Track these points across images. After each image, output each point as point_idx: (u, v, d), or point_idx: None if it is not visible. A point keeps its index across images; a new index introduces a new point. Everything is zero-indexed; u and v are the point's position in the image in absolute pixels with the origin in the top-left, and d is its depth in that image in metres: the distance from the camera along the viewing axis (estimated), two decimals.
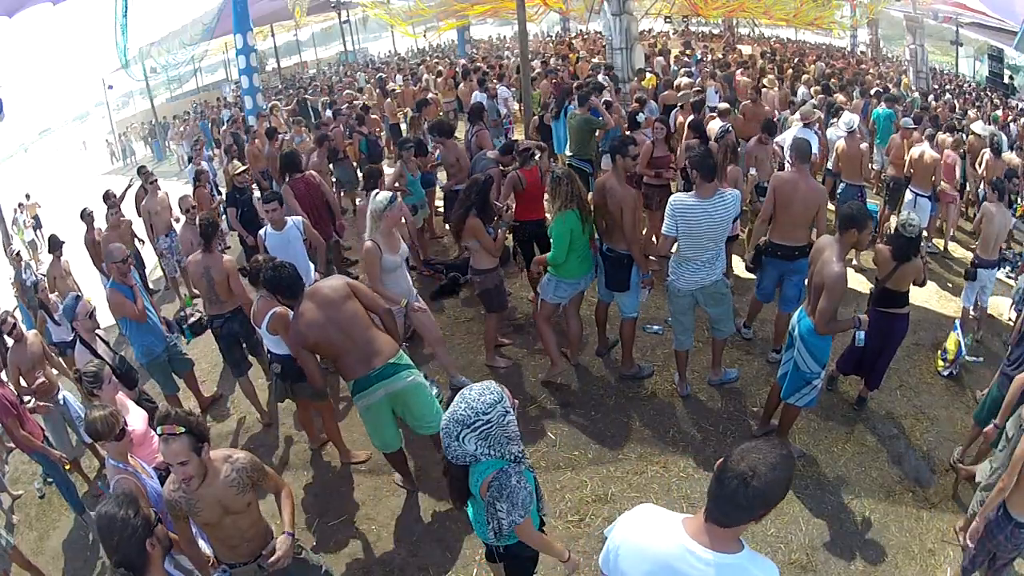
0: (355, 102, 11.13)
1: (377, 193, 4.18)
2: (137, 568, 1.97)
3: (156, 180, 7.21)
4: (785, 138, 6.90)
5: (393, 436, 3.49)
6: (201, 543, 2.75)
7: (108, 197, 6.69)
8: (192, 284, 5.51)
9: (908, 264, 3.88)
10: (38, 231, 13.35)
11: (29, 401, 4.31)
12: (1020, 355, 3.76)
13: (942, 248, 7.21)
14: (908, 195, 6.82)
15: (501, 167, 5.50)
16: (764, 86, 9.86)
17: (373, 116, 10.41)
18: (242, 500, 2.44)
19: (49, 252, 6.61)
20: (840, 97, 9.66)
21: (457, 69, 13.97)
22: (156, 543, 2.04)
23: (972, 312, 5.40)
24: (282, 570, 2.56)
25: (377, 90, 13.58)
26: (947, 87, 17.13)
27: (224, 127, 13.20)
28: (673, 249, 4.01)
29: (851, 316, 3.44)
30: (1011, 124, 11.56)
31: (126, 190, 7.28)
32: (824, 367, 3.50)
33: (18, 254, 6.77)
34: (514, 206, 4.97)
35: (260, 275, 3.78)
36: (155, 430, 2.37)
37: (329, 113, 10.50)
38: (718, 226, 3.80)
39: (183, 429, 2.27)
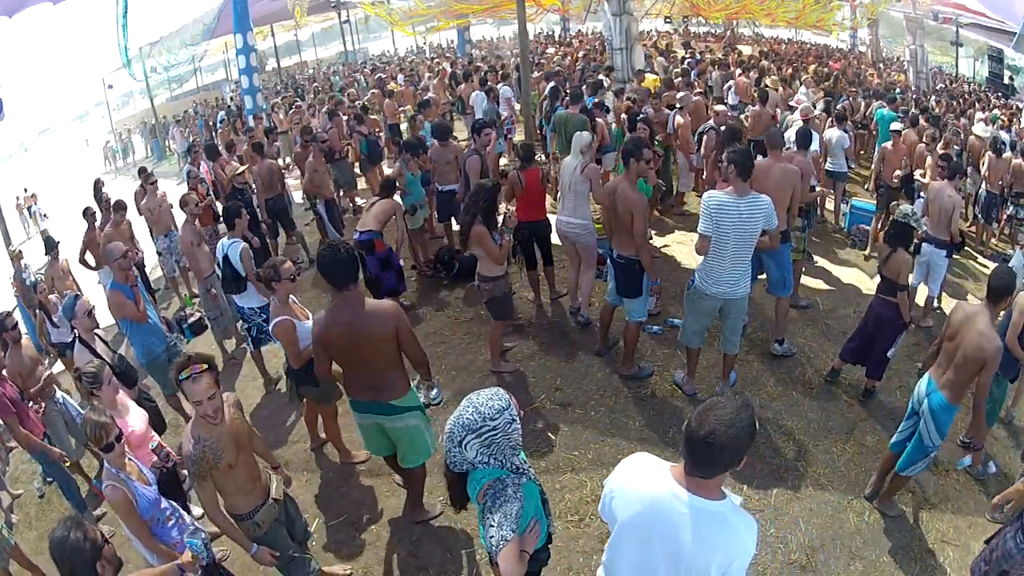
0: (355, 102, 11.14)
1: (583, 134, 4.93)
2: None
3: (155, 180, 7.21)
4: (789, 136, 6.95)
5: (383, 447, 3.46)
6: None
7: (107, 199, 6.69)
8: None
9: (895, 253, 4.07)
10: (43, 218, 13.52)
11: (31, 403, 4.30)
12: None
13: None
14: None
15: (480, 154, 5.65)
16: (767, 86, 9.87)
17: (373, 116, 10.41)
18: (246, 431, 2.72)
19: (46, 253, 6.60)
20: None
21: (457, 70, 13.96)
22: (106, 564, 2.12)
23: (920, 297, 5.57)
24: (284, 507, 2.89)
25: (377, 90, 13.60)
26: (940, 86, 17.16)
27: (220, 129, 13.22)
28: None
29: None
30: (1012, 125, 11.57)
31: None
32: (944, 438, 3.32)
33: (19, 252, 6.75)
34: (514, 208, 4.98)
35: (270, 278, 3.74)
36: (179, 379, 2.44)
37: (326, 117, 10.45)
38: (747, 227, 3.69)
39: (206, 365, 2.45)
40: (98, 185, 7.68)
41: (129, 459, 2.88)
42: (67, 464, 3.99)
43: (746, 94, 10.23)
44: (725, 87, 10.62)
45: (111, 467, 2.76)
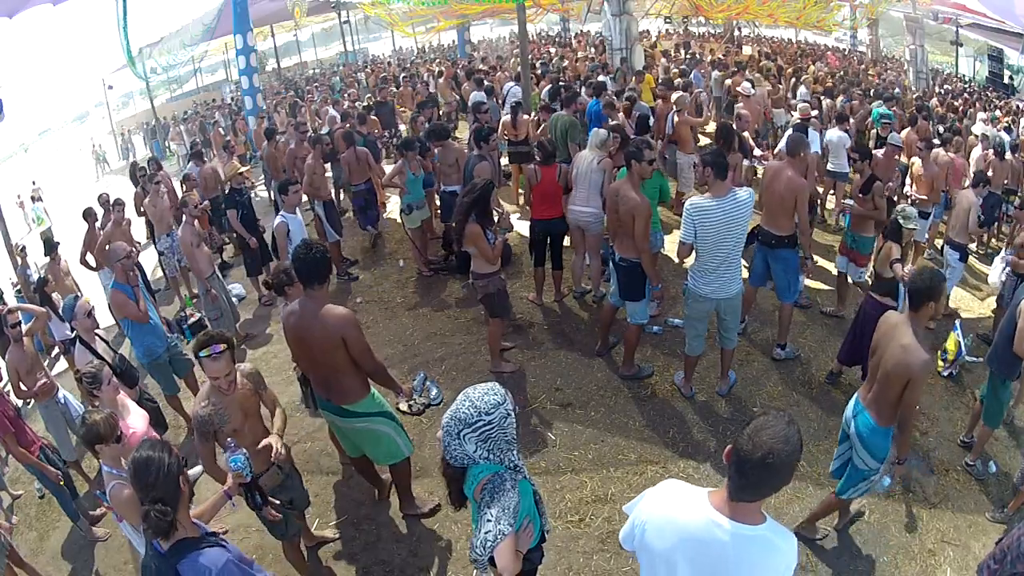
0: (356, 103, 11.15)
1: (599, 130, 5.33)
2: (173, 502, 2.02)
3: (160, 180, 7.22)
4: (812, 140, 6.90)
5: (350, 448, 3.49)
6: None
7: (104, 202, 6.72)
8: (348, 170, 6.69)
9: (886, 244, 4.12)
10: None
11: (29, 403, 4.29)
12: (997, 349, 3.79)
13: (940, 249, 7.22)
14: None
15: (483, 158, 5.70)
16: (752, 82, 9.86)
17: (373, 116, 10.41)
18: (255, 401, 2.88)
19: (46, 254, 6.60)
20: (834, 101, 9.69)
21: (458, 70, 13.98)
22: (185, 483, 2.11)
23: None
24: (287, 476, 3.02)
25: (393, 86, 13.61)
26: (943, 86, 17.15)
27: (212, 130, 13.28)
28: (690, 259, 3.95)
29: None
30: (1012, 126, 11.57)
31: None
32: (883, 461, 3.01)
33: (23, 249, 6.76)
34: (510, 212, 5.06)
35: (283, 283, 3.74)
36: (199, 355, 2.63)
37: (335, 114, 10.43)
38: (734, 225, 3.69)
39: (225, 344, 2.64)
40: (134, 167, 7.74)
41: (124, 462, 2.84)
42: (61, 483, 3.97)
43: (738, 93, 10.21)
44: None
45: (110, 468, 2.75)
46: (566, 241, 5.50)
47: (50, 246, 6.55)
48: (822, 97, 9.82)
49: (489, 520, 1.93)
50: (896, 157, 6.44)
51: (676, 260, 4.26)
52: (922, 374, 2.71)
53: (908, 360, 2.70)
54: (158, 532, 2.01)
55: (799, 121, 7.05)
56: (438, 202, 7.13)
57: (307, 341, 3.00)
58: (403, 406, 3.34)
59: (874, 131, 8.72)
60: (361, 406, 3.15)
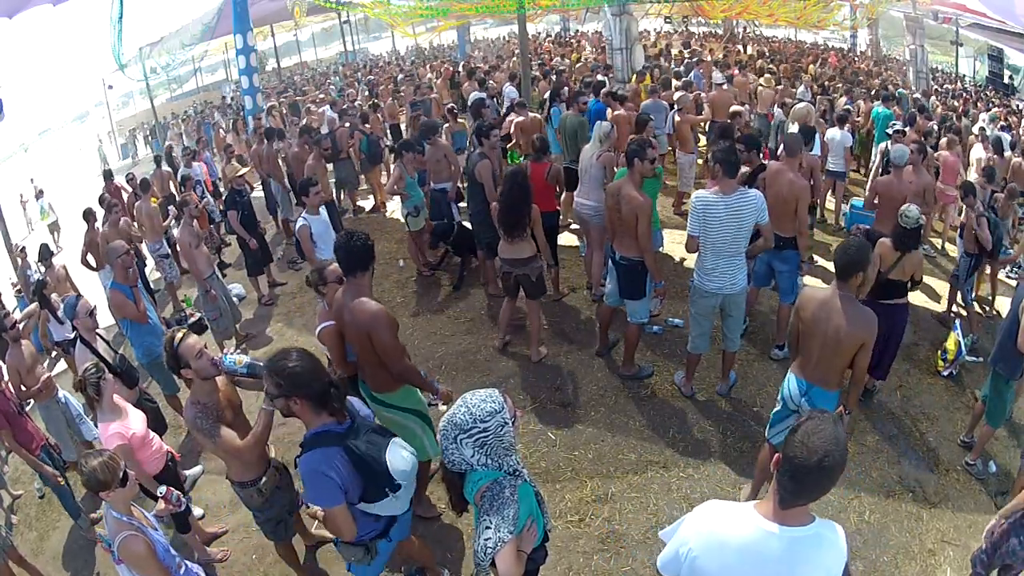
0: (355, 103, 11.16)
1: (603, 123, 5.47)
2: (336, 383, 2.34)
3: (151, 186, 7.22)
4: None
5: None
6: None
7: (104, 201, 6.73)
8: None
9: (908, 255, 4.01)
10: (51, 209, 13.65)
11: (30, 404, 4.29)
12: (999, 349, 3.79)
13: (939, 247, 7.23)
14: None
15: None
16: (761, 85, 9.89)
17: (375, 114, 10.42)
18: (236, 393, 2.98)
19: (39, 261, 6.60)
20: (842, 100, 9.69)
21: (458, 69, 13.98)
22: None
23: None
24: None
25: (367, 91, 13.67)
26: (944, 87, 17.13)
27: (213, 131, 13.31)
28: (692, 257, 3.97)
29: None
30: (1011, 125, 11.56)
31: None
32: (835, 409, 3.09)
33: (22, 250, 6.76)
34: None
35: (316, 283, 3.67)
36: (175, 347, 2.74)
37: (335, 117, 10.42)
38: (736, 224, 3.69)
39: (184, 328, 2.89)
40: (169, 151, 7.75)
41: (133, 504, 2.66)
42: (61, 483, 3.97)
43: (743, 92, 10.23)
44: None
45: (119, 514, 2.54)
46: (572, 241, 5.52)
47: (44, 254, 6.55)
48: (820, 96, 9.83)
49: (488, 527, 1.94)
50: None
51: (676, 258, 4.26)
52: (873, 336, 2.82)
53: (859, 327, 2.81)
54: (342, 408, 2.31)
55: (801, 127, 7.02)
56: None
57: (345, 325, 3.07)
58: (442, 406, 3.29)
59: (875, 131, 8.76)
60: (390, 398, 3.15)
